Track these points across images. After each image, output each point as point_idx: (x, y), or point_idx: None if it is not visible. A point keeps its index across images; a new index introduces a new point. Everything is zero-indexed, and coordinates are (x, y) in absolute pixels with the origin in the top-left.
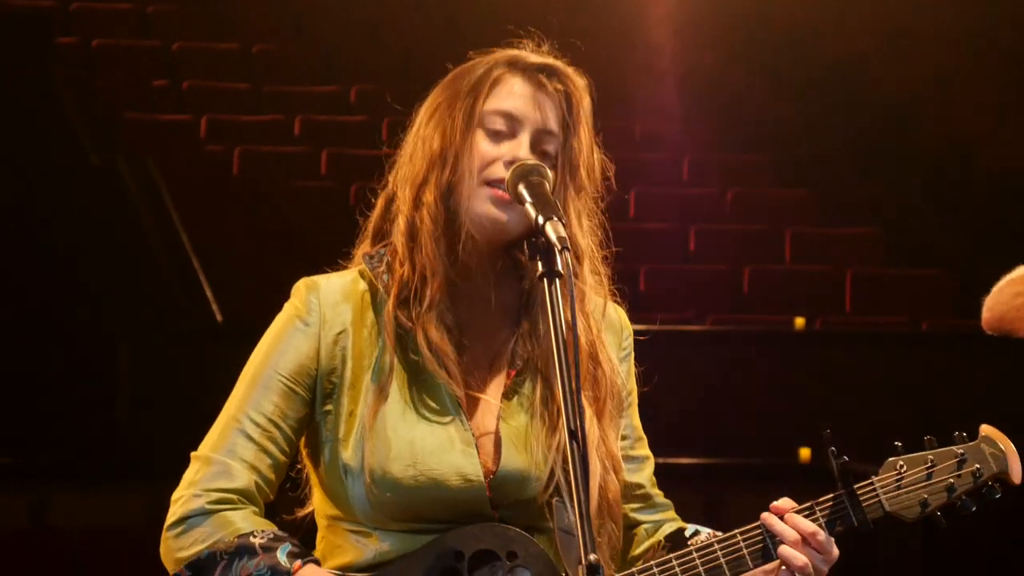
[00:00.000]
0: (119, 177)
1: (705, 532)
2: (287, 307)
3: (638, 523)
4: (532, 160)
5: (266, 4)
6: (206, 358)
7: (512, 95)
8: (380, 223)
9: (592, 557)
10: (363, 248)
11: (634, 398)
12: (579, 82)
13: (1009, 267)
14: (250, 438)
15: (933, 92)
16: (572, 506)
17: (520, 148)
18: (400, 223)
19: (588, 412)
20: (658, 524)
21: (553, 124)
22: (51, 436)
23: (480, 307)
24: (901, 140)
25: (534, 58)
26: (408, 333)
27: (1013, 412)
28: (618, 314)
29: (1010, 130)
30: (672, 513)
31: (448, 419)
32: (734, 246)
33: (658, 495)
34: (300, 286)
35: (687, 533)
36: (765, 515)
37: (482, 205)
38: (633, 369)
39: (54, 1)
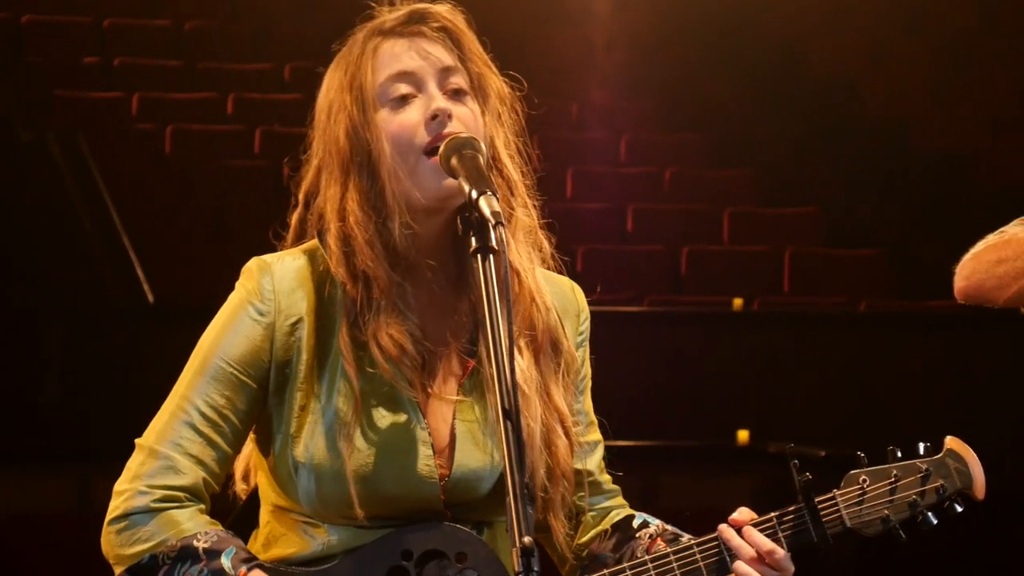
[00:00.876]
0: (49, 154)
1: (654, 523)
2: (238, 289)
3: (585, 510)
4: (465, 134)
5: None
6: (137, 338)
7: (396, 56)
8: (298, 235)
9: (526, 540)
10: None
11: (589, 382)
12: (454, 16)
13: (948, 247)
14: (197, 430)
15: (870, 72)
16: (507, 487)
17: (433, 100)
18: (330, 242)
19: (525, 362)
20: (605, 511)
21: (448, 59)
22: None
23: (432, 299)
24: (839, 120)
25: (398, 13)
26: (364, 346)
27: (948, 392)
28: (576, 295)
29: (946, 110)
30: (620, 499)
31: (405, 419)
32: (672, 226)
33: (606, 480)
34: (252, 268)
35: (635, 523)
36: (723, 527)
37: (431, 177)
38: (588, 352)
39: None
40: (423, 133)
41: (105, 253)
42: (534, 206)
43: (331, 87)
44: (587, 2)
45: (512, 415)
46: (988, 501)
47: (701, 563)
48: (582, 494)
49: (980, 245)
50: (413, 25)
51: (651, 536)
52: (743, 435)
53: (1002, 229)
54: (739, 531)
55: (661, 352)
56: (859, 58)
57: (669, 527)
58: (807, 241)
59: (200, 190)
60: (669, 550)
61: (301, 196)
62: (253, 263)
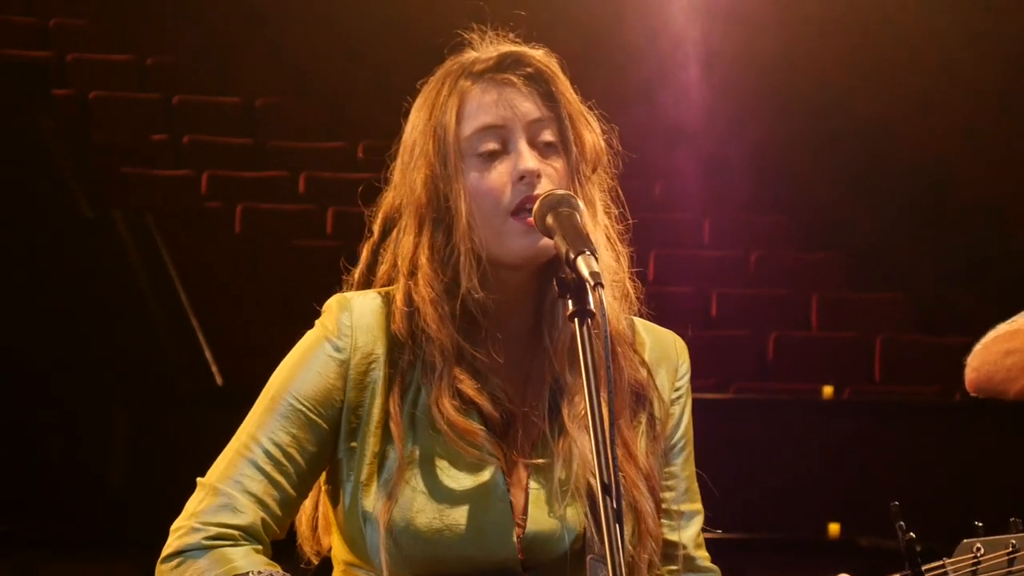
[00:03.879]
0: (115, 233)
1: None
2: (316, 326)
3: None
4: (560, 191)
5: (268, 57)
6: (204, 423)
7: (483, 107)
8: (365, 277)
9: None
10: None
11: (688, 445)
12: (541, 56)
13: None
14: (260, 469)
15: (963, 153)
16: (607, 565)
17: (521, 159)
18: (396, 296)
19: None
20: None
21: (538, 111)
22: (41, 502)
23: (506, 357)
24: (931, 202)
25: (486, 54)
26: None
27: None
28: (676, 348)
29: None
30: None
31: (483, 476)
32: (758, 311)
33: (703, 557)
34: (332, 304)
35: None
36: None
37: (518, 240)
38: (689, 412)
39: (50, 52)
40: (510, 194)
41: (172, 335)
42: (624, 252)
43: (416, 125)
44: (671, 80)
45: (612, 490)
46: None
47: None
48: (674, 568)
49: (990, 335)
50: (504, 72)
51: None
52: (834, 528)
53: (1013, 319)
54: None
55: (747, 441)
56: (951, 139)
57: None
58: (899, 328)
59: (270, 271)
60: None
61: (377, 226)
62: (334, 300)
